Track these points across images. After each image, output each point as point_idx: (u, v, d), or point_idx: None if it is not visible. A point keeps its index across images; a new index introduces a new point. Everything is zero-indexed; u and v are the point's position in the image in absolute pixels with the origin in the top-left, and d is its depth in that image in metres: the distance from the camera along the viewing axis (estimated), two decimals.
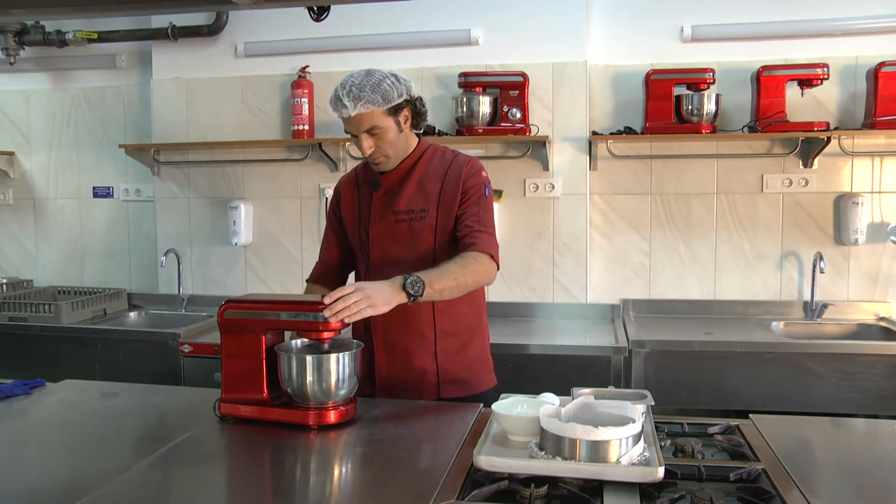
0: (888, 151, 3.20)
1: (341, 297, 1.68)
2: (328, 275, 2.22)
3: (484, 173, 2.07)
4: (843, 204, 3.21)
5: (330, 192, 3.52)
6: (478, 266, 1.94)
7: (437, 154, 2.10)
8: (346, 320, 1.70)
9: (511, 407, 1.62)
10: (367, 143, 1.97)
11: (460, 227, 2.01)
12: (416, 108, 2.03)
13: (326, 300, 1.68)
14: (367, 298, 1.70)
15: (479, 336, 2.15)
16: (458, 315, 2.07)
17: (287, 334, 1.86)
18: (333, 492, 1.48)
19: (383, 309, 1.74)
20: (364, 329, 2.06)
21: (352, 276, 2.24)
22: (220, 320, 1.81)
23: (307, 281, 2.26)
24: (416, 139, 2.10)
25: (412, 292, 1.77)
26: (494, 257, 1.99)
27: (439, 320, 2.04)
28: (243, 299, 1.84)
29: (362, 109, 1.92)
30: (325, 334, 1.72)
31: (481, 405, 1.87)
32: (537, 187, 3.35)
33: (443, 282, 1.85)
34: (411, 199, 2.04)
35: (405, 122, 2.01)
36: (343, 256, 2.22)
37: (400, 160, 2.05)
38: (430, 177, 2.05)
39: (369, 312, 1.71)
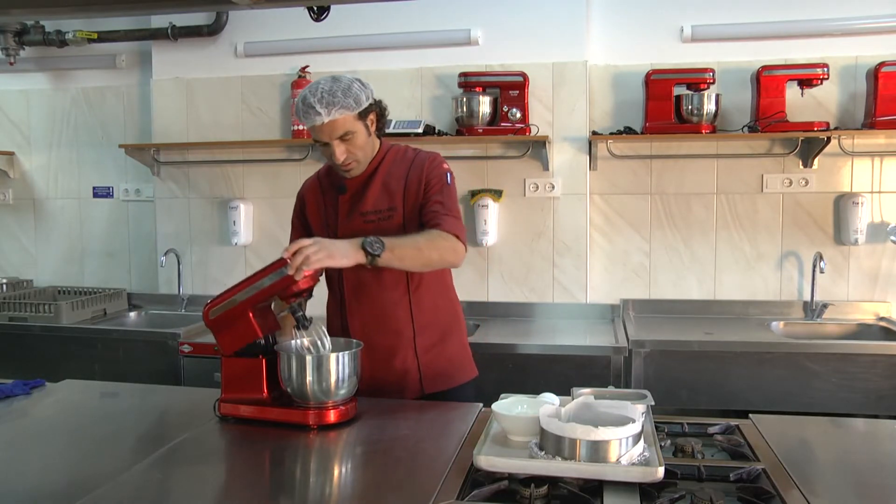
0: (888, 151, 3.20)
1: (299, 250, 1.72)
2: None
3: (445, 165, 2.10)
4: (843, 204, 3.21)
5: None
6: (444, 242, 1.95)
7: (399, 154, 2.12)
8: (307, 269, 1.72)
9: (511, 407, 1.62)
10: (340, 150, 1.98)
11: (425, 213, 2.02)
12: (380, 111, 2.06)
13: (285, 255, 1.72)
14: (325, 249, 1.74)
15: (457, 327, 2.18)
16: (434, 309, 2.10)
17: (291, 341, 1.85)
18: (333, 492, 1.48)
19: (342, 262, 1.78)
20: (342, 331, 2.08)
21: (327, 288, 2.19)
22: (207, 323, 1.82)
23: None
24: (379, 142, 2.12)
25: (371, 251, 1.80)
26: (461, 238, 2.00)
27: (417, 317, 2.07)
28: (216, 296, 1.84)
29: (336, 115, 1.93)
30: (301, 284, 1.74)
31: (481, 405, 1.87)
32: (537, 187, 3.35)
33: (405, 249, 1.88)
34: (377, 199, 2.06)
35: (372, 126, 2.04)
36: None
37: (367, 163, 2.07)
38: (393, 176, 2.07)
39: (327, 263, 1.75)
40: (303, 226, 2.22)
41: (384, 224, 2.03)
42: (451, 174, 2.10)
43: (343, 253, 1.78)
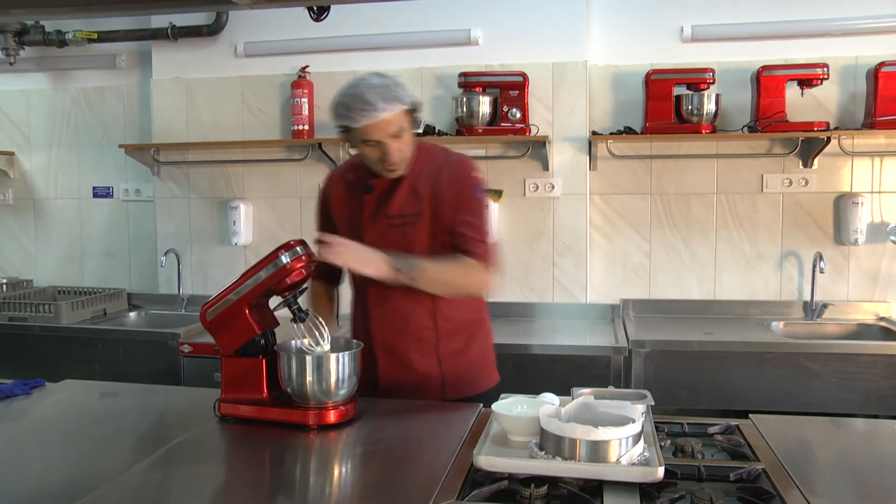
0: (888, 151, 3.20)
1: (332, 241, 1.81)
2: (326, 271, 2.12)
3: (475, 174, 2.03)
4: (843, 204, 3.21)
5: None
6: (473, 274, 1.95)
7: (429, 154, 2.04)
8: (325, 257, 1.80)
9: (511, 407, 1.62)
10: (395, 147, 1.89)
11: (454, 234, 1.97)
12: (417, 108, 1.99)
13: (318, 236, 1.83)
14: (356, 253, 1.83)
15: (482, 333, 2.13)
16: (458, 316, 2.05)
17: (293, 341, 1.85)
18: (333, 492, 1.48)
19: (368, 271, 1.83)
20: (364, 334, 2.04)
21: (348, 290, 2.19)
22: (205, 325, 1.82)
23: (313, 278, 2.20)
24: None
25: (401, 274, 1.83)
26: (492, 267, 1.97)
27: (440, 324, 2.02)
28: (211, 297, 1.84)
29: (395, 110, 1.85)
30: (295, 277, 1.76)
31: (481, 405, 1.87)
32: (537, 187, 3.35)
33: (434, 279, 1.89)
34: (403, 202, 1.99)
35: (413, 123, 1.96)
36: None
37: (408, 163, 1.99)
38: (422, 179, 2.00)
39: (353, 265, 1.86)
40: (327, 218, 2.13)
41: (409, 229, 1.98)
42: (481, 184, 2.03)
43: (373, 264, 1.81)
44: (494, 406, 1.60)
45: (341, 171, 2.16)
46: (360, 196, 2.04)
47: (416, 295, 1.98)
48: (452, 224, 1.97)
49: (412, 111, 1.93)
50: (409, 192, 2.00)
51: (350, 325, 2.13)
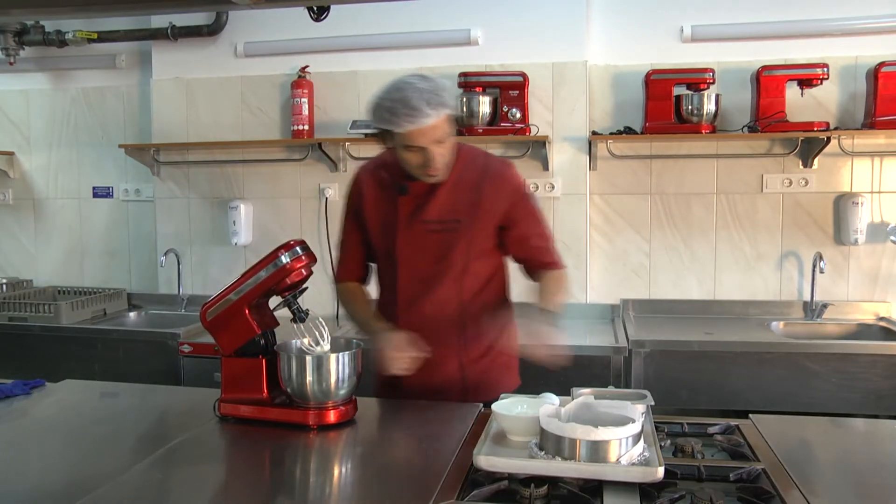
0: (888, 151, 3.20)
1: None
2: (359, 271, 2.10)
3: (520, 178, 2.02)
4: (842, 204, 3.21)
5: (330, 193, 3.54)
6: (566, 284, 2.03)
7: (469, 157, 1.98)
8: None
9: (511, 407, 1.62)
10: (440, 153, 1.83)
11: (527, 247, 2.00)
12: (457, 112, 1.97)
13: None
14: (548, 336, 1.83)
15: (506, 338, 2.05)
16: (484, 321, 2.02)
17: (293, 341, 1.85)
18: (333, 492, 1.48)
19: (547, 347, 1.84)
20: None
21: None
22: (205, 325, 1.82)
23: (338, 281, 2.13)
24: None
25: (557, 323, 1.88)
26: (566, 268, 2.06)
27: (468, 330, 1.98)
28: (211, 297, 1.84)
29: (440, 115, 1.79)
30: (295, 277, 1.76)
31: (481, 405, 1.87)
32: (537, 187, 3.35)
33: (561, 302, 1.95)
34: (442, 207, 1.93)
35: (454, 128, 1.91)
36: (367, 250, 2.09)
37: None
38: (462, 184, 1.94)
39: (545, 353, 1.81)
40: (358, 225, 2.05)
41: (448, 236, 1.94)
42: (528, 188, 2.05)
43: (550, 337, 1.83)
44: (494, 406, 1.60)
45: (373, 168, 2.06)
46: (393, 196, 1.98)
47: (445, 301, 1.97)
48: (518, 237, 1.99)
49: (454, 115, 1.89)
50: (448, 198, 1.94)
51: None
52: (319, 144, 3.45)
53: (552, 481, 1.35)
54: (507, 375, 2.09)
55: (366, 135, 3.33)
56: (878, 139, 3.18)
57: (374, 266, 2.13)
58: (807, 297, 3.26)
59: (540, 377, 2.88)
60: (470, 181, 1.95)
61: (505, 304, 2.11)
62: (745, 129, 3.18)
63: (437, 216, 1.94)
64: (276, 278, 1.75)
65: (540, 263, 2.01)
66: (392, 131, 1.82)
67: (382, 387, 2.06)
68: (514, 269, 2.13)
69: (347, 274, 2.12)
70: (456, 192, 1.95)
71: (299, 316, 1.79)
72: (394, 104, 1.78)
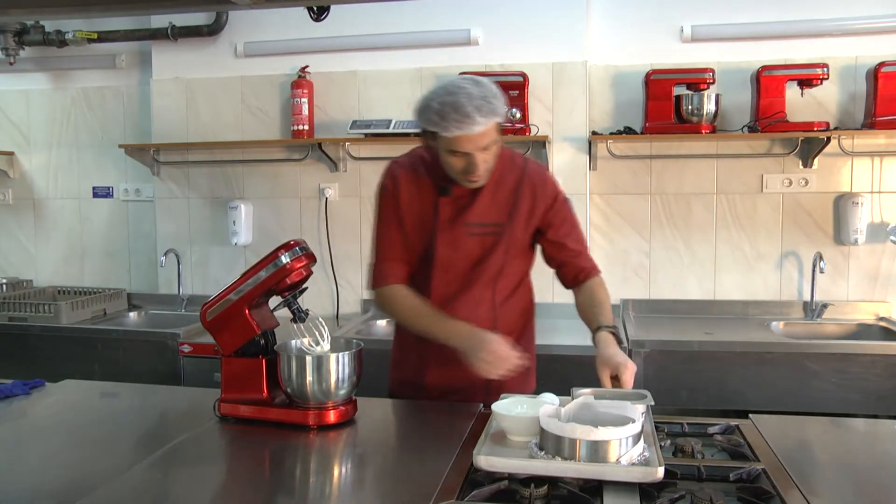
0: (888, 151, 3.20)
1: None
2: (405, 272, 1.99)
3: (556, 182, 2.02)
4: (842, 204, 3.21)
5: (330, 193, 3.54)
6: (607, 290, 2.03)
7: (507, 159, 1.96)
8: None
9: (511, 407, 1.62)
10: (483, 159, 1.80)
11: (564, 250, 1.99)
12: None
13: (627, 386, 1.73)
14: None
15: (526, 340, 2.07)
16: (513, 327, 2.01)
17: (293, 341, 1.85)
18: (333, 492, 1.48)
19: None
20: (416, 339, 1.97)
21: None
22: (205, 325, 1.82)
23: (381, 284, 1.98)
24: None
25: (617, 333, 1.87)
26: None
27: (500, 331, 1.93)
28: (211, 297, 1.83)
29: (490, 123, 1.75)
30: (295, 277, 1.76)
31: (481, 405, 1.87)
32: None
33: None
34: (484, 210, 1.92)
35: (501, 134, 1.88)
36: (408, 250, 2.00)
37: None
38: (503, 187, 1.93)
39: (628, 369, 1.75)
40: (399, 222, 1.97)
41: (488, 240, 1.93)
42: (562, 191, 2.02)
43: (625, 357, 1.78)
44: (494, 406, 1.60)
45: (409, 166, 1.98)
46: (432, 196, 1.94)
47: (478, 302, 1.97)
48: (554, 241, 1.99)
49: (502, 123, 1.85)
50: (489, 201, 1.93)
51: (398, 328, 2.08)
52: (319, 144, 3.45)
53: (552, 481, 1.35)
54: (528, 378, 2.07)
55: (366, 135, 3.33)
56: (878, 139, 3.18)
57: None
58: (807, 297, 3.26)
59: (540, 377, 2.88)
60: (510, 184, 1.95)
61: (531, 305, 2.12)
62: (745, 129, 3.19)
63: (478, 219, 1.93)
64: (276, 278, 1.76)
65: (576, 268, 2.00)
66: (438, 133, 1.78)
67: (400, 386, 2.06)
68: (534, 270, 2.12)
69: (394, 276, 1.98)
70: (496, 195, 1.94)
71: (299, 316, 1.79)
72: (443, 107, 1.74)
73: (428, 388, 2.01)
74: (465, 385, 1.95)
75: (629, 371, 1.72)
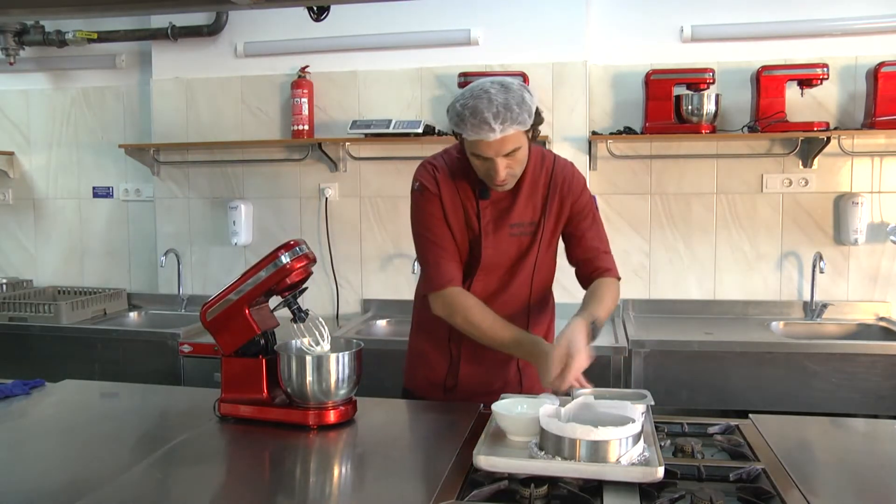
0: (888, 151, 3.20)
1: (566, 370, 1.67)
2: (461, 273, 1.94)
3: (583, 179, 2.01)
4: (842, 204, 3.21)
5: (330, 193, 3.54)
6: (617, 293, 1.96)
7: (538, 157, 1.95)
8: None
9: (511, 407, 1.62)
10: (503, 166, 1.78)
11: (585, 247, 1.97)
12: (540, 119, 1.83)
13: (577, 383, 1.68)
14: (580, 355, 1.68)
15: (551, 337, 2.09)
16: (544, 325, 2.06)
17: (293, 341, 1.85)
18: (333, 492, 1.48)
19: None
20: (448, 340, 2.00)
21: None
22: (205, 325, 1.82)
23: (440, 287, 1.89)
24: None
25: (595, 333, 1.79)
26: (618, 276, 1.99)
27: (532, 329, 1.98)
28: (211, 297, 1.84)
29: (509, 132, 1.72)
30: (295, 277, 1.76)
31: (481, 405, 1.87)
32: None
33: (606, 315, 1.88)
34: (523, 210, 1.93)
35: (532, 138, 1.84)
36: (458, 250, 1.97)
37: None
38: (536, 185, 1.94)
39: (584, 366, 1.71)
40: (446, 221, 1.92)
41: (525, 239, 1.94)
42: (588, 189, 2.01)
43: (586, 348, 1.71)
44: (494, 406, 1.60)
45: (446, 166, 1.94)
46: (471, 198, 1.92)
47: (515, 299, 1.98)
48: (577, 236, 1.97)
49: (532, 127, 1.80)
50: (528, 200, 1.94)
51: (428, 329, 2.05)
52: (319, 144, 3.45)
53: (552, 481, 1.35)
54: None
55: (366, 135, 3.33)
56: (878, 139, 3.18)
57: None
58: (807, 297, 3.26)
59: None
60: (540, 182, 1.95)
61: (554, 304, 2.14)
62: (745, 129, 3.19)
63: (519, 219, 1.94)
64: (277, 278, 1.76)
65: (595, 267, 1.98)
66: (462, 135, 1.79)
67: (430, 388, 2.05)
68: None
69: (455, 279, 1.90)
70: (533, 194, 1.95)
71: (299, 316, 1.79)
72: (464, 110, 1.74)
73: (461, 388, 2.01)
74: (501, 386, 1.98)
75: (578, 362, 1.66)
